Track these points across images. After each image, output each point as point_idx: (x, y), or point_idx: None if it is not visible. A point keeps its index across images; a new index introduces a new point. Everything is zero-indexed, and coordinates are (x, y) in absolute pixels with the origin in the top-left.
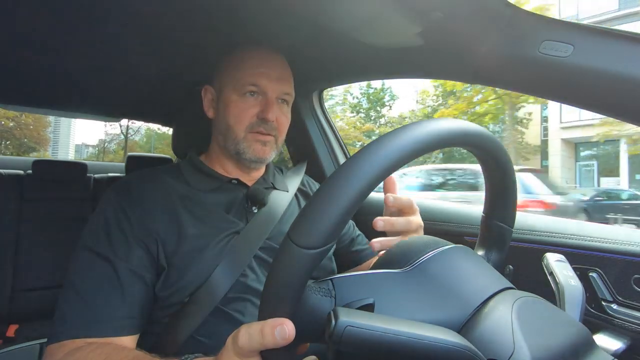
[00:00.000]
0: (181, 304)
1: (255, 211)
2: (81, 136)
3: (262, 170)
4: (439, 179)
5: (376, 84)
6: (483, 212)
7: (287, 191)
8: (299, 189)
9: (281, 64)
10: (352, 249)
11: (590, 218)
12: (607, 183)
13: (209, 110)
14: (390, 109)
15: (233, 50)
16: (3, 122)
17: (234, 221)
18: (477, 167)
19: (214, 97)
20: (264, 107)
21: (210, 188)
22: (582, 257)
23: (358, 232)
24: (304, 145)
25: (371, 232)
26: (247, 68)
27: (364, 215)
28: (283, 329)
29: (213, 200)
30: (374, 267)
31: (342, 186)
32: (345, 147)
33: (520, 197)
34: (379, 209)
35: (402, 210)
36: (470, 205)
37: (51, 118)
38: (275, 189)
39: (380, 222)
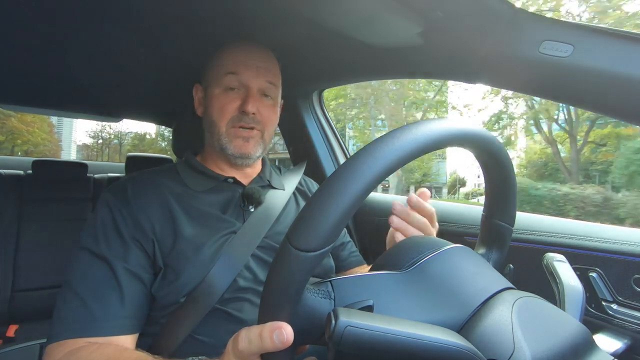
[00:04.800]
0: (178, 304)
1: (252, 210)
2: (82, 137)
3: (259, 168)
4: None
5: None
6: (483, 211)
7: (284, 190)
8: (297, 189)
9: (263, 54)
10: (341, 253)
11: None
12: None
13: (198, 108)
14: None
15: (219, 47)
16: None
17: (231, 221)
18: None
19: (202, 94)
20: (244, 100)
21: (206, 188)
22: (582, 257)
23: (349, 238)
24: (304, 145)
25: (371, 232)
26: (227, 58)
27: (364, 216)
28: (281, 333)
29: (209, 200)
30: (374, 268)
31: (340, 188)
32: (345, 147)
33: None
34: (379, 209)
35: (421, 215)
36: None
37: (54, 118)
38: (272, 187)
39: (396, 220)
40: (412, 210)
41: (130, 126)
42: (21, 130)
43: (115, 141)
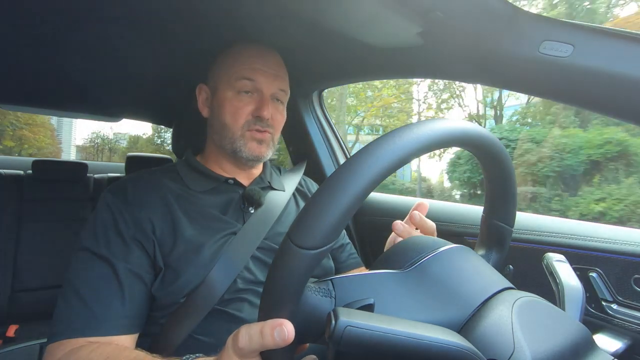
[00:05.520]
0: (178, 304)
1: (252, 212)
2: (80, 142)
3: (259, 169)
4: None
5: None
6: (483, 212)
7: (284, 191)
8: (296, 189)
9: (276, 61)
10: (340, 254)
11: None
12: None
13: (203, 109)
14: None
15: (228, 47)
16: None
17: (231, 222)
18: None
19: (208, 95)
20: (259, 105)
21: (207, 189)
22: (582, 257)
23: (348, 240)
24: (304, 145)
25: (371, 232)
26: (243, 63)
27: (364, 216)
28: (282, 330)
29: (209, 201)
30: (374, 267)
31: (342, 186)
32: (346, 147)
33: None
34: (379, 209)
35: (423, 233)
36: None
37: (54, 120)
38: (272, 188)
39: (400, 226)
40: (413, 227)
41: (125, 129)
42: (29, 137)
43: (107, 147)
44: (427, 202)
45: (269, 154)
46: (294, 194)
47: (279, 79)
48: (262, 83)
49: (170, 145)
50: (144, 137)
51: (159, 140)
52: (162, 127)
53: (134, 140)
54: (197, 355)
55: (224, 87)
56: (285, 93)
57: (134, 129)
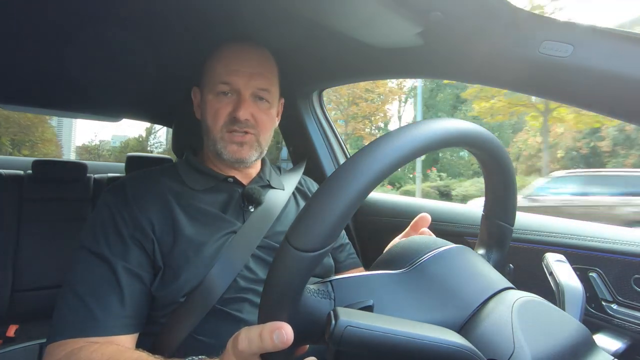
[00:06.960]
0: (178, 303)
1: (252, 210)
2: (82, 138)
3: (257, 167)
4: None
5: None
6: (483, 212)
7: (284, 190)
8: (296, 188)
9: (258, 58)
10: (339, 255)
11: None
12: None
13: (197, 111)
14: None
15: (215, 50)
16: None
17: (231, 221)
18: None
19: (200, 98)
20: (236, 106)
21: (206, 187)
22: (582, 257)
23: (347, 239)
24: (303, 145)
25: (371, 232)
26: (221, 66)
27: (364, 216)
28: (281, 333)
29: (209, 200)
30: (374, 268)
31: (340, 188)
32: (346, 147)
33: None
34: (379, 209)
35: None
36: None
37: (55, 124)
38: (272, 187)
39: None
40: None
41: (124, 131)
42: (40, 148)
43: (97, 154)
44: (428, 213)
45: (254, 155)
46: (293, 193)
47: (259, 77)
48: (239, 84)
49: (155, 151)
50: (140, 140)
51: (141, 147)
52: (149, 133)
53: (125, 145)
54: (200, 357)
55: (207, 90)
56: (269, 92)
57: (133, 131)
